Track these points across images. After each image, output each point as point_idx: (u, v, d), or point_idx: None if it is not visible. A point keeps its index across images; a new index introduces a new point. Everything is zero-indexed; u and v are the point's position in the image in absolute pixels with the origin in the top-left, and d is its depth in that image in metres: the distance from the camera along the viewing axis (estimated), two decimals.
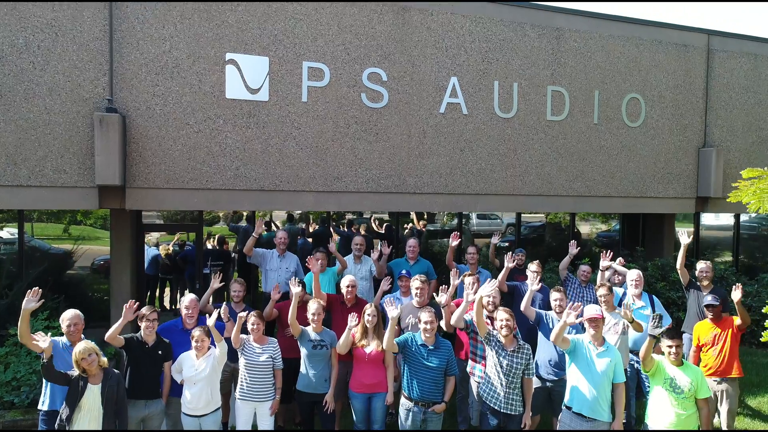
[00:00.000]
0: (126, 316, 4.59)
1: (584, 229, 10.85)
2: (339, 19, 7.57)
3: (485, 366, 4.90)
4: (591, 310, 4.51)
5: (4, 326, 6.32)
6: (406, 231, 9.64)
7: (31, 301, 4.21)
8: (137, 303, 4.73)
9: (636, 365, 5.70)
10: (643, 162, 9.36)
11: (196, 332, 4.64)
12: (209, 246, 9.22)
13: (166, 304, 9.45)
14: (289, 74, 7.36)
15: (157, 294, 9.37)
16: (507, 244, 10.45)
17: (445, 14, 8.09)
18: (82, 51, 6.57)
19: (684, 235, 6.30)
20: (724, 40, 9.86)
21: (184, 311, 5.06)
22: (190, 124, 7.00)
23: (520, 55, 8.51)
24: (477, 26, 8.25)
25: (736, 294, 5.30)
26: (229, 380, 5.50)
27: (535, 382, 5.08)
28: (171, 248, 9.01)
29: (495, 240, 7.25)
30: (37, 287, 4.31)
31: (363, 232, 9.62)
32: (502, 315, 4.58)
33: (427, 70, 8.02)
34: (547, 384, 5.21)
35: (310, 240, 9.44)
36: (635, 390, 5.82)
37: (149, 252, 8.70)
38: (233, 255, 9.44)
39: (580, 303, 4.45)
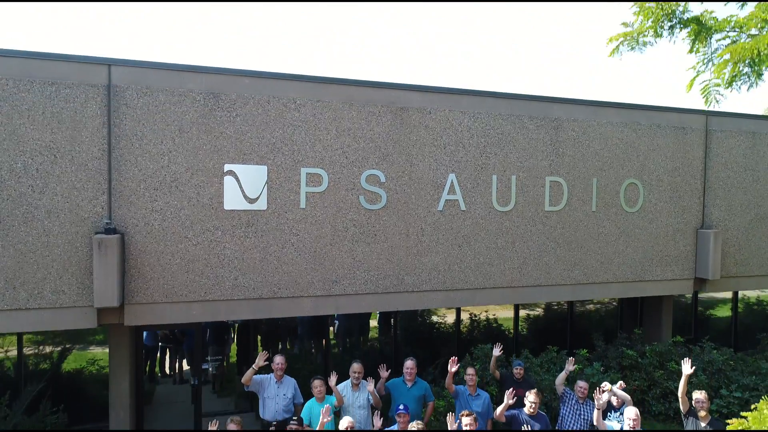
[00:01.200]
0: None
1: None
2: (338, 123, 7.58)
3: None
4: None
5: None
6: None
7: None
8: None
9: None
10: (641, 246, 9.38)
11: None
12: None
13: (167, 370, 9.52)
14: (287, 181, 7.38)
15: (158, 357, 9.44)
16: None
17: (443, 111, 8.10)
18: (80, 171, 6.59)
19: (686, 365, 6.37)
20: (722, 119, 9.88)
21: None
22: (189, 237, 7.01)
23: (519, 148, 8.52)
24: (475, 122, 8.26)
25: None
26: None
27: None
28: None
29: (496, 352, 7.28)
30: None
31: None
32: None
33: (426, 168, 8.04)
34: None
35: None
36: None
37: None
38: (233, 324, 9.50)
39: None
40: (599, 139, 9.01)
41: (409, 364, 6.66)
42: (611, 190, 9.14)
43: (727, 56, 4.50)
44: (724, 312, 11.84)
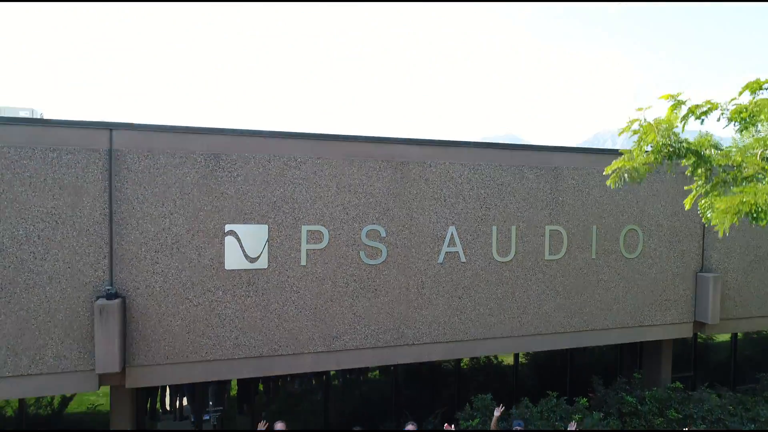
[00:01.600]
0: None
1: None
2: (338, 180, 7.61)
3: None
4: None
5: None
6: None
7: None
8: None
9: None
10: (640, 291, 9.41)
11: None
12: None
13: (167, 407, 9.55)
14: (288, 239, 7.40)
15: (158, 393, 9.47)
16: None
17: (443, 164, 8.13)
18: (82, 236, 6.61)
19: None
20: None
21: None
22: (190, 299, 7.04)
23: (518, 198, 8.55)
24: (475, 174, 8.28)
25: None
26: None
27: None
28: None
29: (497, 413, 7.32)
30: None
31: None
32: None
33: (426, 221, 8.06)
34: None
35: None
36: None
37: None
38: None
39: None
40: (599, 187, 9.04)
41: (410, 429, 6.69)
42: (611, 237, 9.17)
43: (724, 206, 4.53)
44: (724, 337, 11.87)
